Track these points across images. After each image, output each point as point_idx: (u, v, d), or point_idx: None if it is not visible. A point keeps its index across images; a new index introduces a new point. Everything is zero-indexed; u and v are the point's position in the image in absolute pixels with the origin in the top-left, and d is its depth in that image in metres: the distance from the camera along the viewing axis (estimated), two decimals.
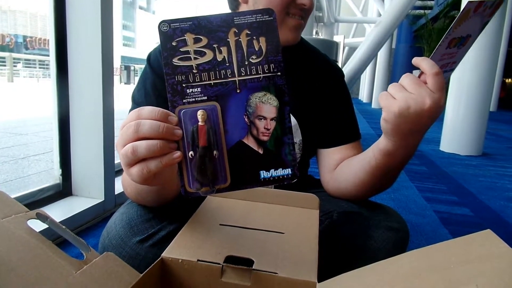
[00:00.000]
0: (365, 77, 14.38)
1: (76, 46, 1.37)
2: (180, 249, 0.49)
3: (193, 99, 0.43)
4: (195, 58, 0.43)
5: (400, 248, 0.69)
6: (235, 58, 0.43)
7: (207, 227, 0.55)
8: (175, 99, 0.43)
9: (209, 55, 0.43)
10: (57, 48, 1.37)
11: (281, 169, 0.44)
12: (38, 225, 0.45)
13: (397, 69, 12.17)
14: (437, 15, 10.50)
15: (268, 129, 0.44)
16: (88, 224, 1.35)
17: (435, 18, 10.60)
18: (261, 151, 0.44)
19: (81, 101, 1.39)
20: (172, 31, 0.43)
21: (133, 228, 0.65)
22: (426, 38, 9.77)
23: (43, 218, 0.44)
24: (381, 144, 0.62)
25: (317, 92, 0.82)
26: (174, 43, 0.43)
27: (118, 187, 1.51)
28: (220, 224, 0.56)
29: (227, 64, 0.43)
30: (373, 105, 11.10)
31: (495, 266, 0.33)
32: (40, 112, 5.63)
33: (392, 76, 11.65)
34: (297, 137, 0.80)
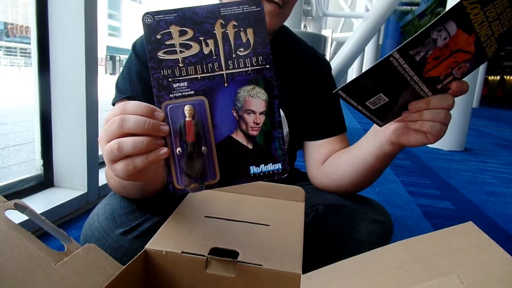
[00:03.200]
0: (352, 72, 14.48)
1: (58, 34, 1.33)
2: (164, 241, 0.48)
3: (180, 94, 0.42)
4: (180, 51, 0.42)
5: (384, 240, 0.70)
6: (222, 51, 0.42)
7: (192, 219, 0.55)
8: (161, 94, 0.42)
9: (195, 48, 0.42)
10: (38, 36, 1.32)
11: (271, 164, 0.43)
12: (17, 217, 0.43)
13: None
14: (423, 11, 10.63)
15: (257, 124, 0.43)
16: (71, 216, 1.33)
17: (422, 14, 10.73)
18: (250, 146, 0.43)
19: (63, 91, 1.36)
20: (156, 24, 0.41)
21: (116, 220, 0.64)
22: (412, 34, 9.87)
23: (22, 208, 0.43)
24: (386, 148, 0.62)
25: (304, 85, 0.81)
26: (158, 36, 0.41)
27: (102, 179, 1.48)
28: (205, 216, 0.56)
29: (214, 57, 0.42)
30: None
31: (476, 256, 0.34)
32: (21, 102, 5.48)
33: None
34: (284, 129, 0.80)
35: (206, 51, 0.42)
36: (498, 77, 24.30)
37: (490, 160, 3.33)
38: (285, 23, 0.85)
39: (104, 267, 0.42)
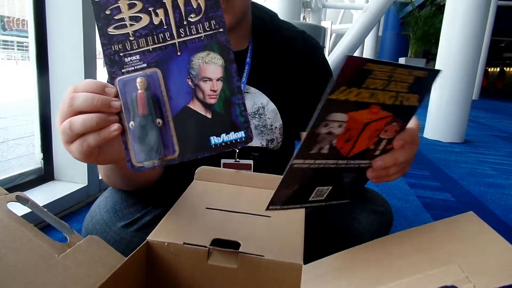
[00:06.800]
0: None
1: (56, 27, 1.32)
2: (166, 232, 0.48)
3: (132, 68, 0.41)
4: (131, 25, 0.40)
5: (384, 231, 0.70)
6: (172, 19, 0.41)
7: (193, 211, 0.55)
8: (113, 70, 0.41)
9: (145, 20, 0.40)
10: (36, 29, 1.31)
11: (233, 132, 0.41)
12: (19, 210, 0.44)
13: (384, 56, 12.23)
14: (423, 2, 10.55)
15: (214, 91, 0.41)
16: (71, 209, 1.33)
17: (422, 5, 10.65)
18: (209, 115, 0.41)
19: (62, 84, 1.35)
20: (105, 0, 0.40)
21: (117, 213, 0.64)
22: (412, 25, 9.81)
23: (24, 201, 0.43)
24: None
25: (296, 76, 0.80)
26: (108, 12, 0.40)
27: None
28: (207, 208, 0.56)
29: (165, 27, 0.41)
30: None
31: (476, 245, 0.34)
32: (20, 96, 5.46)
33: None
34: (277, 122, 0.79)
35: (156, 21, 0.41)
36: (498, 69, 24.23)
37: (489, 152, 3.33)
38: (283, 14, 0.84)
39: (106, 259, 0.42)
